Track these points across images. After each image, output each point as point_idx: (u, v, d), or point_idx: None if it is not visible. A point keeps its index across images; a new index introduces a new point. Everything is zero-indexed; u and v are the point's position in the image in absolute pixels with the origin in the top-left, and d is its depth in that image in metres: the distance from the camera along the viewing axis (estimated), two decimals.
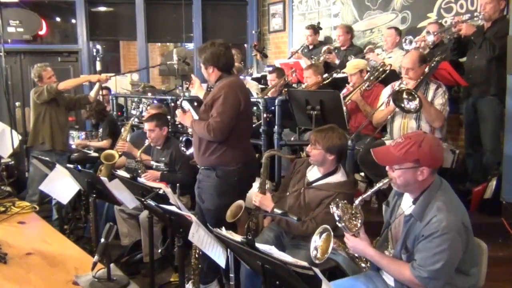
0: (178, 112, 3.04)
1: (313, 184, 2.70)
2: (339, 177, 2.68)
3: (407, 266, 1.87)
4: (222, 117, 2.76)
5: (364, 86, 3.84)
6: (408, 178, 1.88)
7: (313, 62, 4.90)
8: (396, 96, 3.18)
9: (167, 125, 3.84)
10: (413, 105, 3.13)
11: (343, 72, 4.21)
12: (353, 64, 4.07)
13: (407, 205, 1.98)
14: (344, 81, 4.26)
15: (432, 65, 3.38)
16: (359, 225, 1.99)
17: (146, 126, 3.77)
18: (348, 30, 5.36)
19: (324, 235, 2.03)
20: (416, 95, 3.10)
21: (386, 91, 3.58)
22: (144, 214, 3.36)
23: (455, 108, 3.94)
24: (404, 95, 3.16)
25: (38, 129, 4.37)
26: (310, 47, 5.71)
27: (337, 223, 1.99)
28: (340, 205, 1.98)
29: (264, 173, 2.92)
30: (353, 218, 1.99)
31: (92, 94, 4.70)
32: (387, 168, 1.95)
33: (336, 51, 5.21)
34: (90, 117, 5.17)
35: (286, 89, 4.10)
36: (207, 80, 3.08)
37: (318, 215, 2.58)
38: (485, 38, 3.67)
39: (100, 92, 6.00)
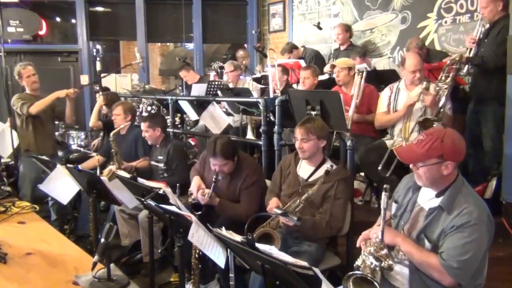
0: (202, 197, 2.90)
1: (310, 180, 2.72)
2: (330, 166, 2.73)
3: (433, 255, 1.86)
4: None
5: (358, 99, 3.82)
6: (434, 174, 1.89)
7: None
8: (423, 125, 3.15)
9: (160, 125, 3.83)
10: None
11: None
12: (344, 60, 4.19)
13: (426, 198, 1.98)
14: None
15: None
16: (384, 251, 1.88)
17: (142, 126, 3.85)
18: (347, 29, 5.36)
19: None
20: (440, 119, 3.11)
21: (386, 94, 3.56)
22: (143, 214, 3.36)
23: (461, 108, 3.95)
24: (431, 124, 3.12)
25: (23, 136, 4.21)
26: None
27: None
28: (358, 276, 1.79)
29: None
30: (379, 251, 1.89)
31: (66, 114, 4.35)
32: (411, 166, 1.96)
33: (338, 53, 5.20)
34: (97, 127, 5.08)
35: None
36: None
37: (333, 211, 2.61)
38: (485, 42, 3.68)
39: (100, 93, 5.98)
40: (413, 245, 1.92)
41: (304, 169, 2.79)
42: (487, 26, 3.72)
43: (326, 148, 2.79)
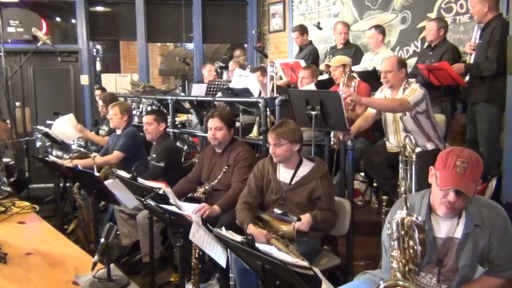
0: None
1: (293, 183, 2.72)
2: (308, 165, 2.74)
3: (489, 278, 1.83)
4: None
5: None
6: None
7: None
8: None
9: (165, 122, 3.93)
10: None
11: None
12: (338, 58, 4.24)
13: (445, 229, 1.86)
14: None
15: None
16: None
17: (145, 119, 3.90)
18: (349, 27, 5.39)
19: None
20: None
21: (377, 96, 3.55)
22: (141, 214, 3.36)
23: (461, 109, 3.99)
24: None
25: None
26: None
27: None
28: None
29: None
30: None
31: None
32: (453, 195, 1.76)
33: (334, 51, 5.20)
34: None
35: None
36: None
37: (329, 206, 2.64)
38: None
39: (99, 92, 6.03)
40: None
41: (283, 174, 2.77)
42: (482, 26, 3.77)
43: (299, 151, 2.76)
